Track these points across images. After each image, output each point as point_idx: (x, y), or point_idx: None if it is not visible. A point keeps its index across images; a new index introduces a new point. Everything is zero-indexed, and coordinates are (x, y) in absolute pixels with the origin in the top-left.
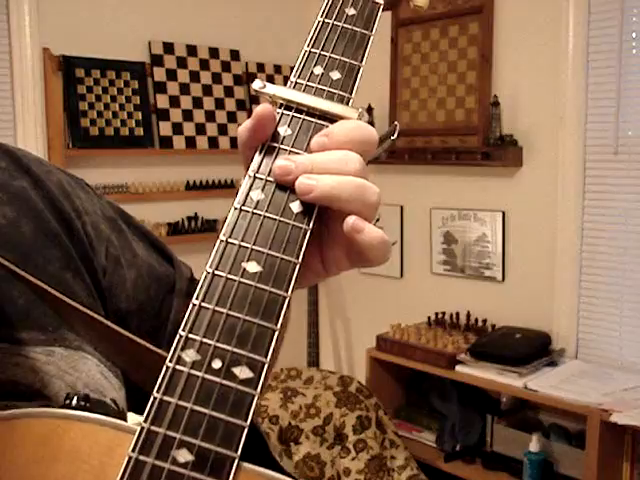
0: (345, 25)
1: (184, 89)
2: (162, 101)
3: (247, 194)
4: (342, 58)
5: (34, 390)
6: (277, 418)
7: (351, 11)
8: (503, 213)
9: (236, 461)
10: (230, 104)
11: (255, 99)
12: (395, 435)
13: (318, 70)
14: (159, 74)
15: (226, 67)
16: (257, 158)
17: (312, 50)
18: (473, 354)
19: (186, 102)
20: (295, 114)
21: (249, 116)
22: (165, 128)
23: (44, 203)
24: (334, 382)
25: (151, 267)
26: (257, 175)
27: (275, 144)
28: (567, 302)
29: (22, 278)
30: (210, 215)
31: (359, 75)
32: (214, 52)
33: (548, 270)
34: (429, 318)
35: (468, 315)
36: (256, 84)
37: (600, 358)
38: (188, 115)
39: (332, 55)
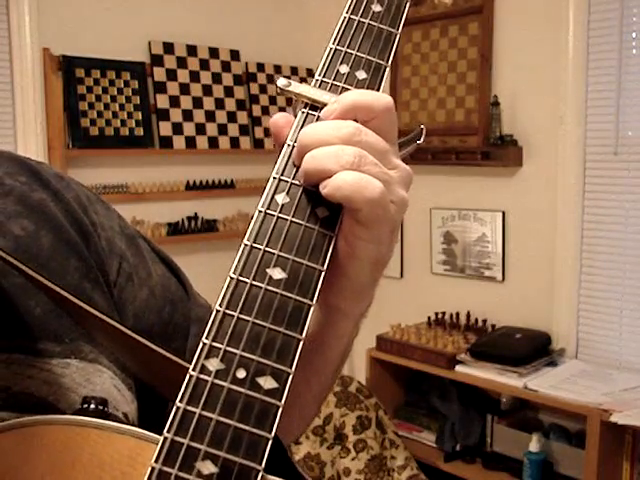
0: (371, 22)
1: (184, 89)
2: (162, 101)
3: (272, 197)
4: (368, 57)
5: (47, 403)
6: None
7: (377, 7)
8: (503, 213)
9: (260, 473)
10: (230, 104)
11: (255, 99)
12: (395, 435)
13: (344, 69)
14: (159, 74)
15: (226, 67)
16: (281, 160)
17: (338, 48)
18: (473, 354)
19: (186, 102)
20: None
21: (249, 116)
22: (165, 128)
23: (63, 215)
24: None
25: (166, 289)
26: (282, 177)
27: None
28: (567, 302)
29: (42, 285)
30: (210, 215)
31: (385, 75)
32: (214, 52)
33: (548, 270)
34: (429, 318)
35: (468, 315)
36: (280, 82)
37: (600, 358)
38: (188, 115)
39: (358, 54)
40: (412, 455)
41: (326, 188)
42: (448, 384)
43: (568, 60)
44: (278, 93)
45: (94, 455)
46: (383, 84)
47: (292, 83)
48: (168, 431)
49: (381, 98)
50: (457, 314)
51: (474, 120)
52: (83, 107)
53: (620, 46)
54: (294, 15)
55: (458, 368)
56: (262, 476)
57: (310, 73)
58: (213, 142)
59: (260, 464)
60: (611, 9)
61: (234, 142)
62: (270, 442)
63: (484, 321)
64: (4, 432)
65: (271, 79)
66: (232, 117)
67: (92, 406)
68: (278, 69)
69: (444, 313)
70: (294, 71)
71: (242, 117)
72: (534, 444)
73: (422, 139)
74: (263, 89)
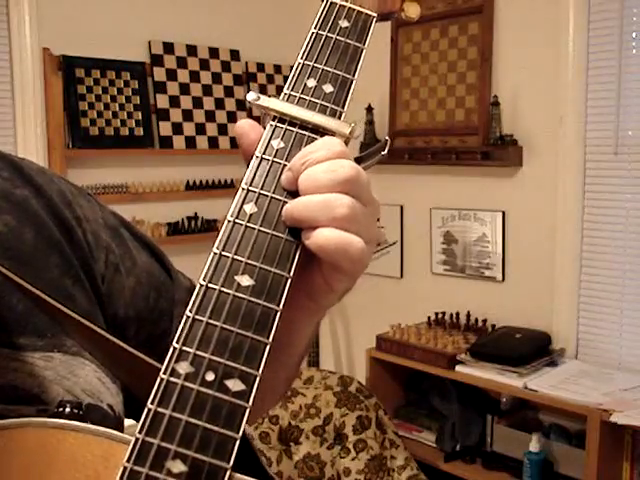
0: (339, 37)
1: (184, 89)
2: (162, 101)
3: (240, 207)
4: (335, 71)
5: (32, 395)
6: (277, 418)
7: (345, 23)
8: (503, 213)
9: (228, 472)
10: (230, 104)
11: None
12: (395, 435)
13: (311, 83)
14: (159, 74)
15: (226, 67)
16: (250, 170)
17: (305, 62)
18: (473, 354)
19: (186, 102)
20: (288, 127)
21: (249, 116)
22: (165, 128)
23: (45, 211)
24: (334, 382)
25: (150, 276)
26: (250, 188)
27: (268, 157)
28: (567, 302)
29: (19, 286)
30: (210, 215)
31: (352, 89)
32: (214, 52)
33: (548, 270)
34: (429, 318)
35: (468, 315)
36: (250, 96)
37: (600, 358)
38: (188, 115)
39: (325, 68)
40: (412, 455)
41: (309, 240)
42: (448, 384)
43: (568, 60)
44: (248, 107)
45: (69, 456)
46: (350, 97)
47: (261, 97)
48: (139, 432)
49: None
50: (457, 314)
51: (474, 120)
52: (83, 107)
53: (620, 46)
54: (294, 15)
55: (458, 368)
56: (230, 474)
57: None
58: (213, 142)
59: (228, 463)
60: (611, 9)
61: (234, 142)
62: (238, 442)
63: (484, 321)
64: None
65: (271, 79)
66: (232, 117)
67: (67, 409)
68: (278, 69)
69: (444, 313)
70: None
71: (242, 117)
72: (534, 444)
73: (386, 151)
74: (263, 89)
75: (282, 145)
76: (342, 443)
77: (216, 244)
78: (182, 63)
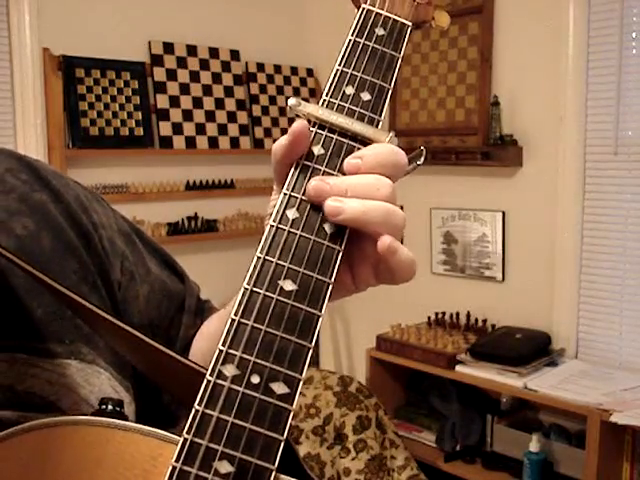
0: (375, 45)
1: (184, 89)
2: (162, 101)
3: (283, 212)
4: (372, 79)
5: (49, 402)
6: None
7: (381, 31)
8: (503, 213)
9: (274, 473)
10: (230, 104)
11: (255, 99)
12: (395, 435)
13: (349, 90)
14: (159, 74)
15: (226, 67)
16: (292, 176)
17: (344, 69)
18: (473, 354)
19: (186, 102)
20: (328, 134)
21: (249, 116)
22: (165, 128)
23: (63, 216)
24: (334, 382)
25: (163, 284)
26: (292, 194)
27: (309, 163)
28: (567, 302)
29: (50, 287)
30: (210, 215)
31: (388, 97)
32: (214, 52)
33: (548, 270)
34: (429, 318)
35: (468, 315)
36: (291, 102)
37: (600, 358)
38: (188, 115)
39: (363, 75)
40: (412, 455)
41: (396, 256)
42: (448, 384)
43: (568, 60)
44: (289, 112)
45: (118, 454)
46: (386, 106)
47: (302, 103)
48: (187, 432)
49: (404, 161)
50: (457, 314)
51: (474, 120)
52: (83, 107)
53: (620, 46)
54: (294, 15)
55: (458, 368)
56: (275, 475)
57: (310, 73)
58: (213, 142)
59: (273, 464)
60: (611, 9)
61: (234, 142)
62: (283, 444)
63: (484, 321)
64: (29, 432)
65: (271, 79)
66: (232, 117)
67: (110, 407)
68: (278, 69)
69: (444, 313)
70: (294, 71)
71: (242, 117)
72: (534, 444)
73: (422, 161)
74: (263, 89)
75: (322, 152)
76: (342, 443)
77: (259, 248)
78: (182, 63)
